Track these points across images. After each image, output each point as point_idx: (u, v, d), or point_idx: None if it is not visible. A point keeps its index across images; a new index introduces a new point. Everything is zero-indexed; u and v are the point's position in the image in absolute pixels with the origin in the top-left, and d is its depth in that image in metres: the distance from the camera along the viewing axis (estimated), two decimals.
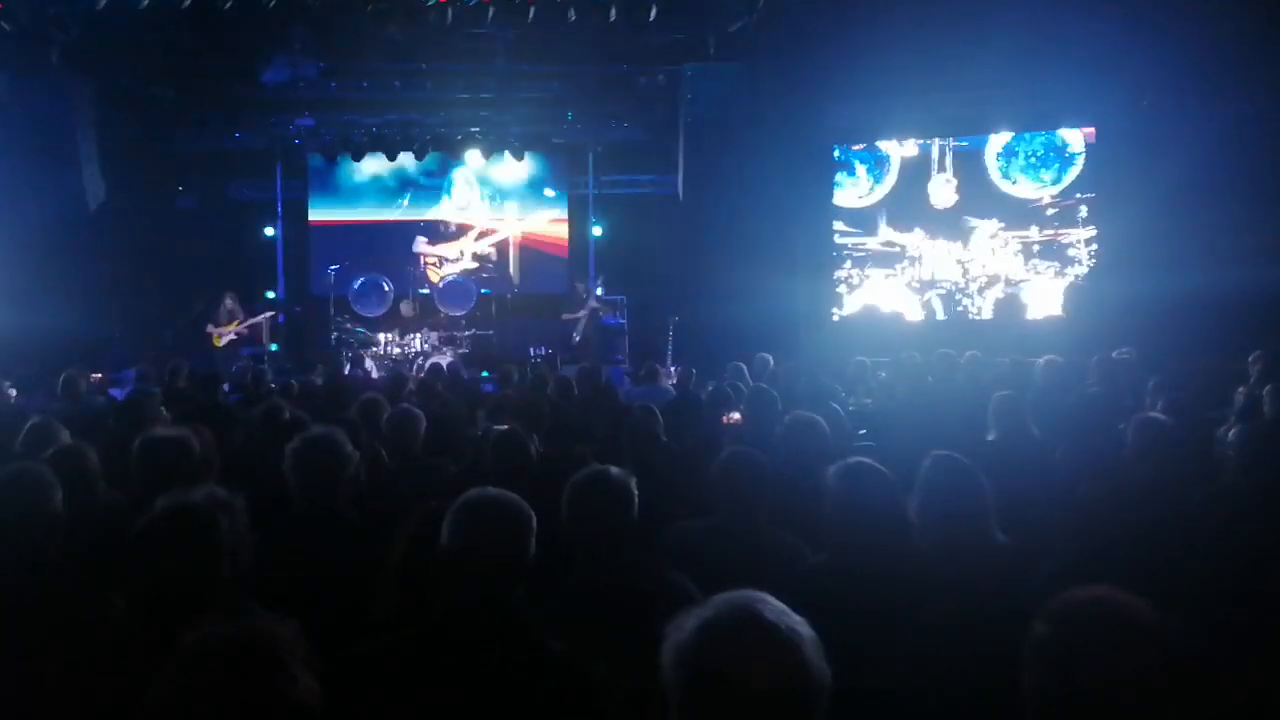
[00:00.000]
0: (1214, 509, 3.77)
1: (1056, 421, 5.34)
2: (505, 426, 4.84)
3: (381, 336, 14.55)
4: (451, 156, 15.51)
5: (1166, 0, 10.79)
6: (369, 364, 14.08)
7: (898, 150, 14.10)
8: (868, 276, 14.31)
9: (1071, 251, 13.35)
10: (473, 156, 15.36)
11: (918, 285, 14.10)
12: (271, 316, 14.31)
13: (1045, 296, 13.36)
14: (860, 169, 14.37)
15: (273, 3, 11.13)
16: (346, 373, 13.00)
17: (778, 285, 13.08)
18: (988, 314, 13.65)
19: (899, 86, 12.53)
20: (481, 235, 15.89)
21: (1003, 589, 2.91)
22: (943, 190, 13.83)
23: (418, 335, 14.61)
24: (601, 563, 2.88)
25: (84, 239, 12.44)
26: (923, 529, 3.23)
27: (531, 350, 14.09)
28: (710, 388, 7.47)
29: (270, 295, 15.51)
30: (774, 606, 1.66)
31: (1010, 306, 13.27)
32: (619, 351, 14.31)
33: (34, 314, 11.12)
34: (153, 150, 14.79)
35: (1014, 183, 13.68)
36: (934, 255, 13.99)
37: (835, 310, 14.41)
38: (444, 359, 12.89)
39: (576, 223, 16.01)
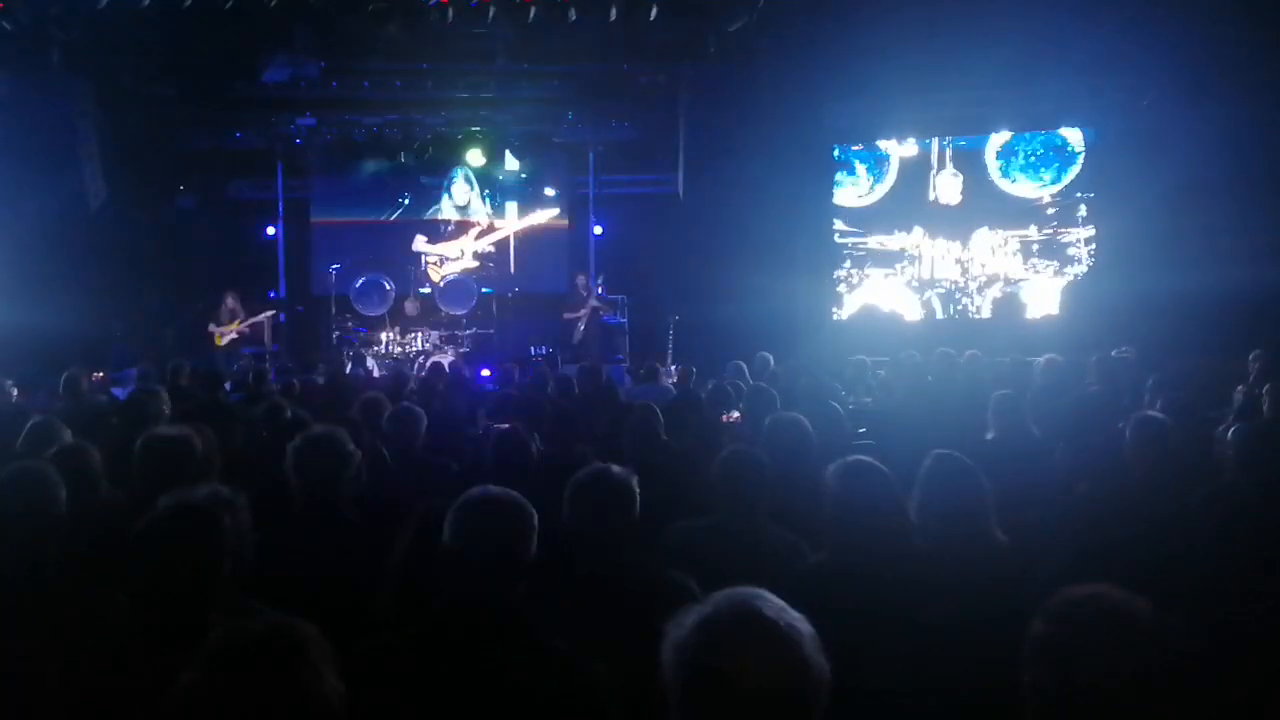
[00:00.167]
0: (1213, 508, 3.77)
1: (1056, 420, 5.34)
2: (506, 425, 4.85)
3: (383, 335, 14.55)
4: (452, 156, 15.51)
5: (1166, 0, 10.79)
6: (370, 363, 14.09)
7: (897, 149, 14.10)
8: (867, 275, 14.32)
9: (1071, 251, 13.35)
10: (473, 156, 15.35)
11: (917, 284, 14.10)
12: (273, 315, 14.30)
13: (1044, 296, 13.36)
14: (860, 168, 14.38)
15: (274, 2, 11.12)
16: (348, 372, 13.01)
17: (778, 284, 13.08)
18: (987, 313, 13.65)
19: (899, 86, 12.53)
20: (482, 234, 15.89)
21: (1002, 588, 2.92)
22: (949, 186, 13.82)
23: (419, 334, 14.61)
24: (602, 561, 2.89)
25: (85, 238, 12.44)
26: (922, 528, 3.24)
27: (532, 349, 14.09)
28: (710, 386, 7.48)
29: (271, 294, 15.51)
30: (773, 604, 1.67)
31: (1009, 306, 13.27)
32: (619, 350, 14.31)
33: (35, 313, 11.11)
34: (154, 149, 14.77)
35: (1014, 182, 13.68)
36: (933, 254, 14.00)
37: (835, 309, 14.41)
38: (445, 358, 12.91)
39: (577, 222, 16.01)
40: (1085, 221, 13.26)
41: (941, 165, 13.91)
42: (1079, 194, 13.32)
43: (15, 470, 3.13)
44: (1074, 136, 13.37)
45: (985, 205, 13.73)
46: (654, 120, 14.79)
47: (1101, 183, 13.03)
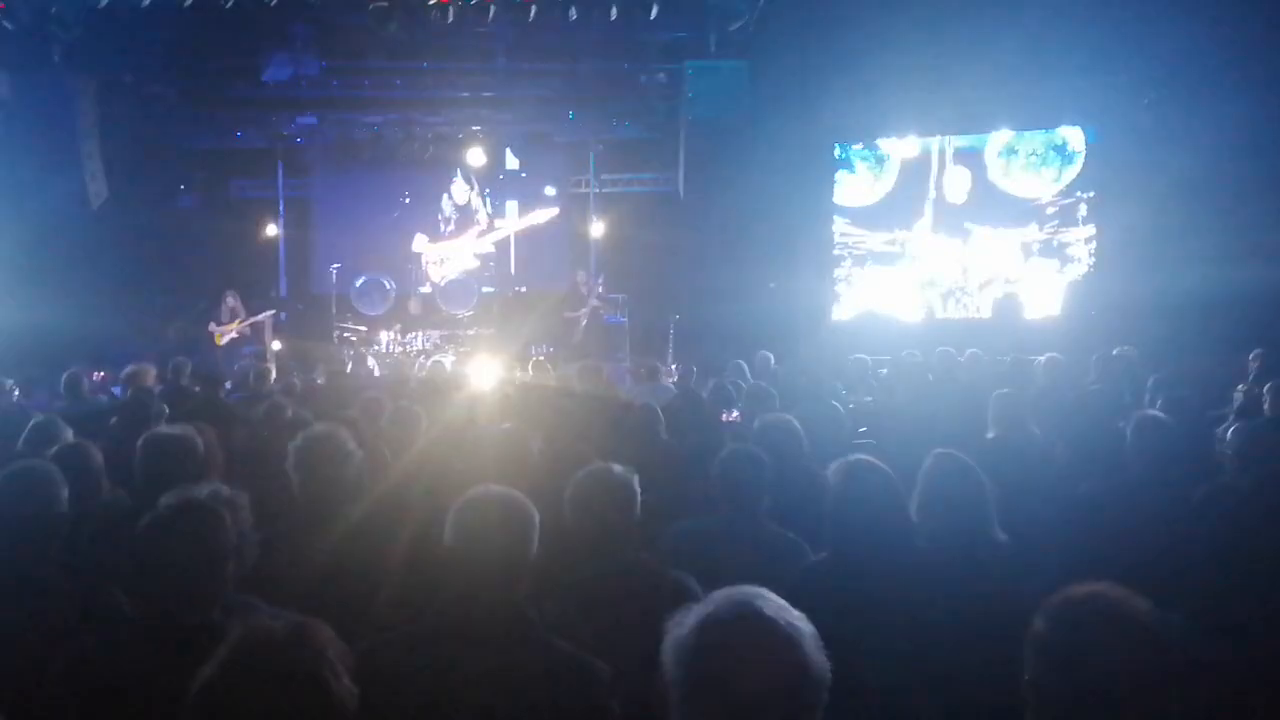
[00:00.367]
0: (1213, 506, 3.77)
1: (1057, 419, 5.35)
2: (507, 425, 4.85)
3: (383, 335, 14.55)
4: (452, 155, 15.51)
5: (1166, 0, 10.79)
6: (371, 362, 14.09)
7: (898, 148, 14.10)
8: (868, 275, 14.31)
9: (1071, 250, 13.35)
10: (474, 154, 15.35)
11: (918, 284, 14.10)
12: (273, 315, 14.31)
13: (1044, 295, 13.36)
14: (861, 167, 14.37)
15: (274, 1, 11.14)
16: (348, 371, 13.01)
17: (778, 283, 13.08)
18: (987, 313, 13.65)
19: (900, 84, 12.53)
20: (482, 233, 15.89)
21: (1002, 586, 2.93)
22: (955, 185, 13.81)
23: (419, 333, 14.61)
24: (604, 560, 2.89)
25: (86, 237, 12.44)
26: (923, 527, 3.25)
27: (533, 348, 14.09)
28: (711, 385, 7.48)
29: (272, 293, 15.51)
30: (774, 603, 1.67)
31: (1009, 305, 13.26)
32: (620, 349, 14.30)
33: (36, 313, 11.12)
34: (154, 148, 14.78)
35: (1014, 181, 13.68)
36: (934, 254, 13.99)
37: (835, 308, 14.41)
38: (446, 357, 12.91)
39: (577, 221, 16.01)
40: (1086, 221, 13.25)
41: (943, 164, 13.90)
42: (1079, 193, 13.31)
43: (17, 469, 3.14)
44: (1074, 136, 13.36)
45: (986, 204, 13.73)
46: (655, 118, 14.80)
47: (1102, 182, 13.02)
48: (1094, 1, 11.43)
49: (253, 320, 13.67)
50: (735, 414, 6.55)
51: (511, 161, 15.66)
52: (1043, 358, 7.97)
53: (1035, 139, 13.58)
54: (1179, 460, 4.20)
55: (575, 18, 11.41)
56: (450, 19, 11.38)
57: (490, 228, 15.90)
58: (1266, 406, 5.87)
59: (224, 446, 4.47)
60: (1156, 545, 3.38)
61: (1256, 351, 7.72)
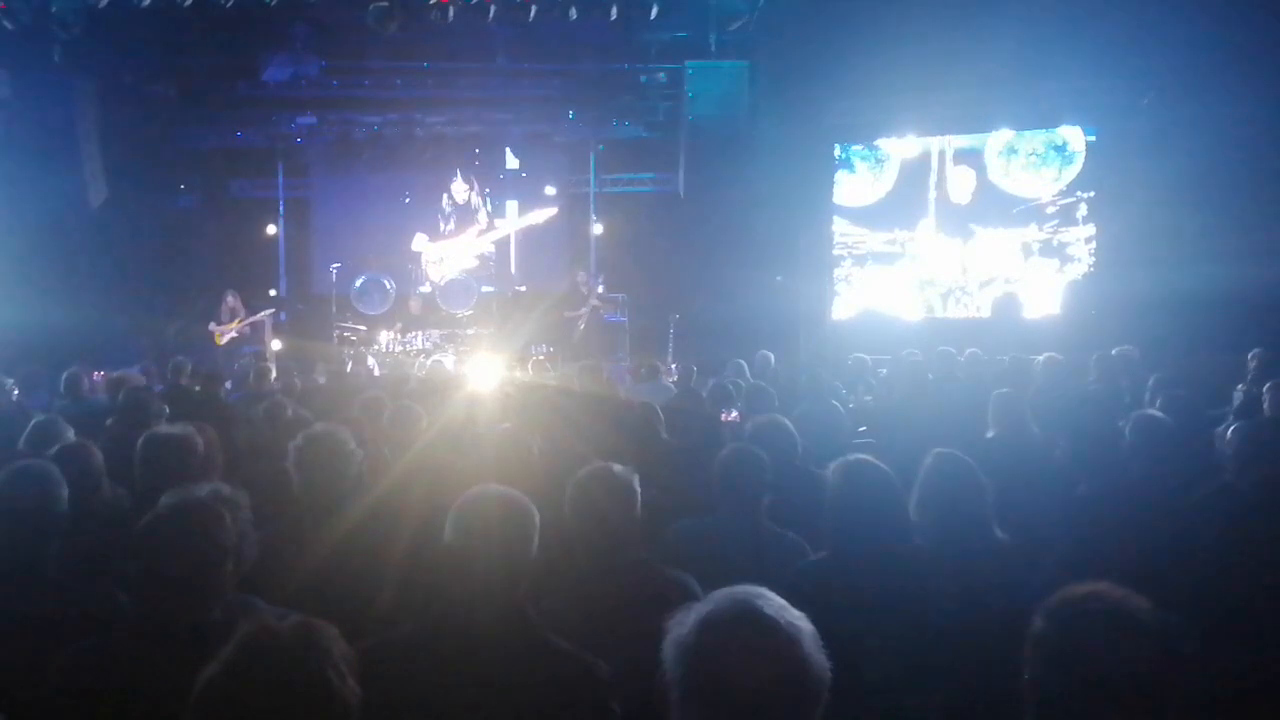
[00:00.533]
0: (1213, 506, 3.78)
1: (1056, 419, 5.35)
2: (507, 424, 4.86)
3: (383, 334, 14.56)
4: (453, 154, 15.51)
5: (1166, 0, 10.79)
6: (371, 362, 14.09)
7: (898, 148, 14.10)
8: (868, 274, 14.32)
9: (1071, 250, 13.35)
10: (474, 154, 15.35)
11: (917, 283, 14.10)
12: (273, 314, 14.31)
13: (1044, 295, 13.36)
14: (861, 167, 14.37)
15: (274, 1, 11.15)
16: (349, 370, 13.01)
17: (783, 282, 13.08)
18: (987, 312, 13.65)
19: (900, 84, 12.53)
20: (482, 233, 15.90)
21: (1002, 586, 2.93)
22: (959, 184, 13.81)
23: (419, 333, 14.61)
24: (604, 560, 2.89)
25: (86, 237, 12.46)
26: (922, 525, 3.25)
27: (533, 348, 14.10)
28: (711, 385, 7.48)
29: (272, 293, 15.52)
30: (774, 602, 1.67)
31: (1008, 304, 13.26)
32: (620, 349, 14.31)
33: (36, 312, 11.13)
34: (154, 148, 14.78)
35: (1015, 180, 13.68)
36: (934, 253, 13.99)
37: (835, 308, 14.41)
38: (446, 357, 12.92)
39: (578, 220, 16.02)
40: (1086, 220, 13.26)
41: (944, 164, 13.90)
42: (1079, 193, 13.31)
43: (17, 469, 3.13)
44: (1074, 135, 13.36)
45: (986, 204, 13.73)
46: (655, 118, 14.82)
47: (1102, 181, 13.02)
48: (1094, 1, 11.43)
49: (252, 320, 13.68)
50: (734, 414, 6.55)
51: (511, 161, 15.66)
52: (1042, 357, 7.97)
53: (1035, 138, 13.57)
54: (1178, 460, 4.20)
55: (575, 18, 11.42)
56: (450, 19, 11.39)
57: (490, 227, 15.89)
58: (1266, 406, 5.87)
59: (224, 446, 4.47)
60: (1156, 545, 3.38)
61: (1255, 351, 7.72)
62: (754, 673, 1.59)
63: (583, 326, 14.24)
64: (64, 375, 7.57)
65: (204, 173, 15.92)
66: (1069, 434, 4.54)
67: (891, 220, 14.16)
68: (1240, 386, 7.03)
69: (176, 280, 14.64)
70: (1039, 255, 13.53)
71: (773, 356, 9.08)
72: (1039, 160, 13.57)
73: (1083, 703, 1.84)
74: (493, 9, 11.40)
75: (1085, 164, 13.26)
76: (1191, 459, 4.42)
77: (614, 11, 11.34)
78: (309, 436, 3.59)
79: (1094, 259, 13.16)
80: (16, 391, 7.82)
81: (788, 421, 4.56)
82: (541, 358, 13.62)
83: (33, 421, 4.81)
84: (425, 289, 15.27)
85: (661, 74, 13.71)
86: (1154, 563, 3.07)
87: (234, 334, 13.51)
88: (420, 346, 14.40)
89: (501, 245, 15.87)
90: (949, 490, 3.26)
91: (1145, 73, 11.76)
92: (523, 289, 15.68)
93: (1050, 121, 13.44)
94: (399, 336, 14.54)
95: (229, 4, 10.97)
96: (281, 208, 16.02)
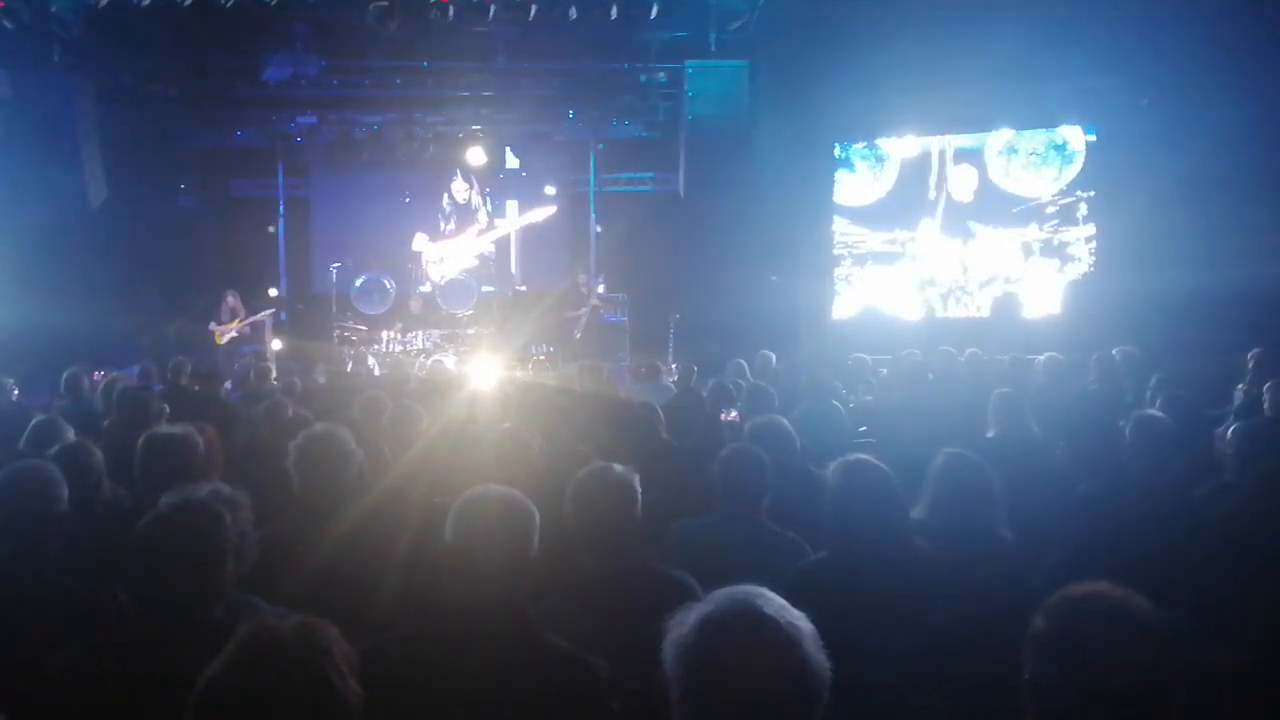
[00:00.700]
0: (1213, 506, 3.78)
1: (1057, 419, 5.35)
2: (507, 424, 4.86)
3: (384, 334, 14.56)
4: (453, 154, 15.51)
5: (1166, 1, 10.79)
6: (371, 361, 14.10)
7: (898, 148, 14.10)
8: (868, 274, 14.32)
9: (1072, 249, 13.35)
10: (474, 154, 15.35)
11: (918, 283, 14.10)
12: (273, 314, 14.32)
13: (1044, 294, 13.36)
14: (861, 166, 14.38)
15: (274, 1, 11.15)
16: (349, 370, 13.01)
17: (778, 282, 13.07)
18: (987, 312, 13.65)
19: (900, 83, 12.52)
20: (482, 232, 15.90)
21: (1004, 585, 2.93)
22: (961, 183, 13.81)
23: (420, 333, 14.62)
24: (604, 559, 2.89)
25: (86, 237, 12.44)
26: (932, 525, 3.24)
27: (533, 348, 14.10)
28: (711, 385, 7.48)
29: (272, 293, 15.52)
30: (774, 602, 1.67)
31: (1006, 304, 13.27)
32: (620, 349, 14.31)
33: (36, 312, 11.12)
34: (154, 148, 14.79)
35: (1015, 180, 13.68)
36: (934, 253, 14.00)
37: (835, 307, 14.41)
38: (446, 356, 12.92)
39: (578, 220, 16.02)
40: (1086, 220, 13.26)
41: (944, 164, 13.90)
42: (1080, 192, 13.31)
43: (17, 469, 3.13)
44: (1075, 135, 13.36)
45: (986, 203, 13.73)
46: (655, 118, 14.82)
47: (1102, 181, 13.02)
48: (1094, 1, 11.43)
49: (253, 319, 13.69)
50: (734, 414, 6.55)
51: (512, 161, 15.66)
52: (1042, 357, 7.98)
53: (1036, 138, 13.58)
54: (1178, 459, 4.20)
55: (575, 18, 11.42)
56: (450, 18, 11.38)
57: (490, 227, 15.89)
58: (1266, 406, 5.87)
59: (224, 446, 4.48)
60: (1156, 544, 3.38)
61: (1255, 351, 7.71)
62: (754, 672, 1.59)
63: (583, 326, 14.24)
64: (64, 375, 7.57)
65: (204, 172, 15.92)
66: (1069, 434, 4.55)
67: (892, 220, 14.15)
68: (1240, 386, 7.03)
69: (177, 280, 14.64)
70: (1039, 255, 13.53)
71: (774, 356, 9.07)
72: (1039, 160, 13.57)
73: (1082, 702, 1.85)
74: (493, 9, 11.40)
75: (1085, 164, 13.26)
76: (1192, 459, 4.42)
77: (614, 11, 11.34)
78: (309, 436, 3.59)
79: (1094, 259, 13.16)
80: (16, 391, 7.82)
81: (788, 421, 4.57)
82: (542, 358, 13.64)
83: (33, 421, 4.82)
84: (425, 289, 15.27)
85: (661, 74, 13.71)
86: (1154, 562, 3.07)
87: (234, 334, 13.52)
88: (420, 346, 14.41)
89: (501, 245, 15.87)
90: (961, 491, 3.25)
91: (1145, 73, 11.76)
92: (523, 289, 15.67)
93: (1050, 121, 13.44)
94: (399, 336, 14.54)
95: (229, 4, 10.96)
96: (282, 207, 16.02)
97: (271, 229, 16.01)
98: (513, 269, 15.88)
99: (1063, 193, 13.41)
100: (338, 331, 14.54)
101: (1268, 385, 5.98)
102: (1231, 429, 4.18)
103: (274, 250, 16.01)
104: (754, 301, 12.44)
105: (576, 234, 16.01)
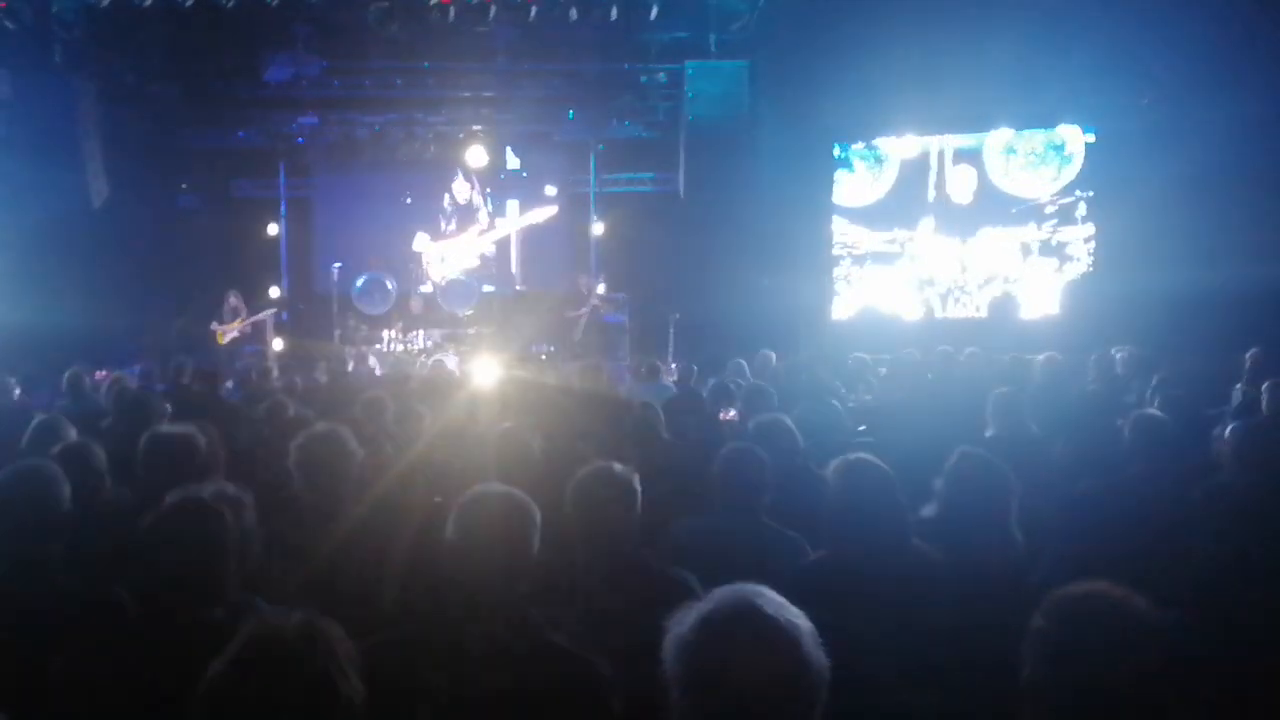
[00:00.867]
0: (1211, 505, 3.79)
1: (1055, 418, 5.36)
2: (508, 424, 4.86)
3: (385, 334, 14.57)
4: (454, 154, 15.52)
5: (1166, 1, 10.80)
6: (372, 361, 14.10)
7: (898, 148, 14.11)
8: (867, 274, 14.32)
9: (1070, 249, 13.36)
10: (475, 154, 15.35)
11: (917, 283, 14.11)
12: (275, 314, 14.33)
13: (1042, 294, 13.37)
14: (860, 166, 14.38)
15: (275, 1, 11.15)
16: (350, 370, 13.02)
17: (778, 282, 13.08)
18: (986, 312, 13.66)
19: (899, 84, 12.53)
20: (483, 232, 15.90)
21: (1001, 584, 2.94)
22: (960, 184, 13.81)
23: (420, 333, 14.63)
24: (604, 558, 2.90)
25: (87, 237, 12.44)
26: (945, 524, 3.25)
27: (533, 347, 14.11)
28: (711, 384, 7.49)
29: (274, 292, 15.53)
30: (773, 600, 1.68)
31: (1005, 304, 13.28)
32: (620, 348, 14.31)
33: (37, 312, 11.13)
34: (156, 148, 14.79)
35: (1014, 180, 13.68)
36: (933, 253, 14.00)
37: (835, 307, 14.42)
38: (447, 356, 12.92)
39: (578, 220, 16.02)
40: (1084, 220, 13.27)
41: (942, 164, 13.91)
42: (1079, 193, 13.32)
43: (19, 468, 3.14)
44: (1074, 135, 13.37)
45: (985, 204, 13.73)
46: (655, 118, 14.82)
47: (1101, 181, 13.03)
48: (1094, 1, 11.44)
49: (254, 319, 13.70)
50: (733, 413, 6.55)
51: (512, 161, 15.66)
52: (1041, 356, 7.99)
53: (1035, 138, 13.58)
54: (1177, 459, 4.21)
55: (575, 18, 11.43)
56: (451, 19, 11.40)
57: (491, 227, 15.90)
58: (1264, 405, 5.88)
59: (226, 445, 4.48)
60: (1155, 543, 3.39)
61: (1252, 350, 7.72)
62: (754, 671, 1.60)
63: (583, 326, 14.24)
64: (66, 375, 7.57)
65: (205, 173, 15.92)
66: (1068, 433, 4.55)
67: (891, 220, 14.16)
68: (1238, 386, 7.04)
69: (178, 280, 14.64)
70: (1038, 255, 13.54)
71: (773, 356, 9.08)
72: (1038, 160, 13.58)
73: (1082, 701, 1.85)
74: (493, 9, 11.41)
75: (1084, 164, 13.27)
76: (1190, 458, 4.43)
77: (614, 11, 11.35)
78: (310, 436, 3.60)
79: (1093, 259, 13.17)
80: (18, 391, 7.83)
81: (788, 420, 4.57)
82: (542, 357, 13.63)
83: (35, 421, 4.82)
84: (426, 289, 15.28)
85: (661, 74, 13.71)
86: (1153, 561, 3.08)
87: (236, 333, 13.53)
88: (421, 346, 14.42)
89: (502, 245, 15.88)
90: (978, 492, 3.26)
91: (1145, 73, 11.77)
92: (523, 289, 15.68)
93: (1050, 121, 13.45)
94: (400, 336, 14.55)
95: (230, 4, 10.98)
96: (283, 207, 16.03)
97: (273, 229, 16.01)
98: (513, 269, 15.88)
99: (1061, 193, 13.42)
100: (339, 331, 14.55)
101: (1265, 385, 5.98)
102: (1229, 428, 4.19)
103: (275, 250, 16.01)
104: (754, 301, 12.46)
105: (576, 234, 16.01)
